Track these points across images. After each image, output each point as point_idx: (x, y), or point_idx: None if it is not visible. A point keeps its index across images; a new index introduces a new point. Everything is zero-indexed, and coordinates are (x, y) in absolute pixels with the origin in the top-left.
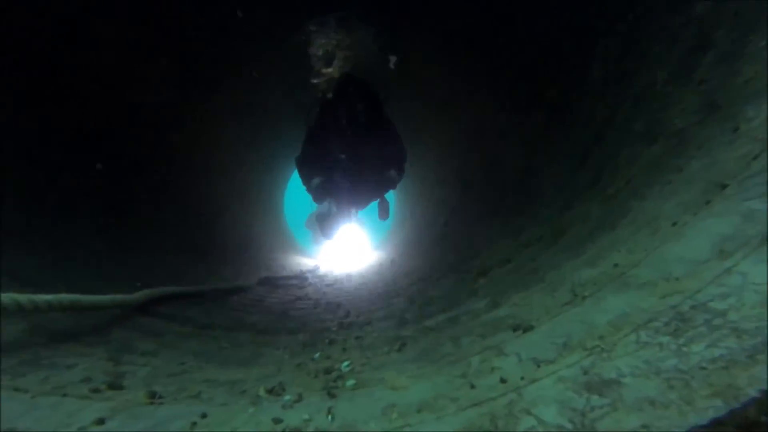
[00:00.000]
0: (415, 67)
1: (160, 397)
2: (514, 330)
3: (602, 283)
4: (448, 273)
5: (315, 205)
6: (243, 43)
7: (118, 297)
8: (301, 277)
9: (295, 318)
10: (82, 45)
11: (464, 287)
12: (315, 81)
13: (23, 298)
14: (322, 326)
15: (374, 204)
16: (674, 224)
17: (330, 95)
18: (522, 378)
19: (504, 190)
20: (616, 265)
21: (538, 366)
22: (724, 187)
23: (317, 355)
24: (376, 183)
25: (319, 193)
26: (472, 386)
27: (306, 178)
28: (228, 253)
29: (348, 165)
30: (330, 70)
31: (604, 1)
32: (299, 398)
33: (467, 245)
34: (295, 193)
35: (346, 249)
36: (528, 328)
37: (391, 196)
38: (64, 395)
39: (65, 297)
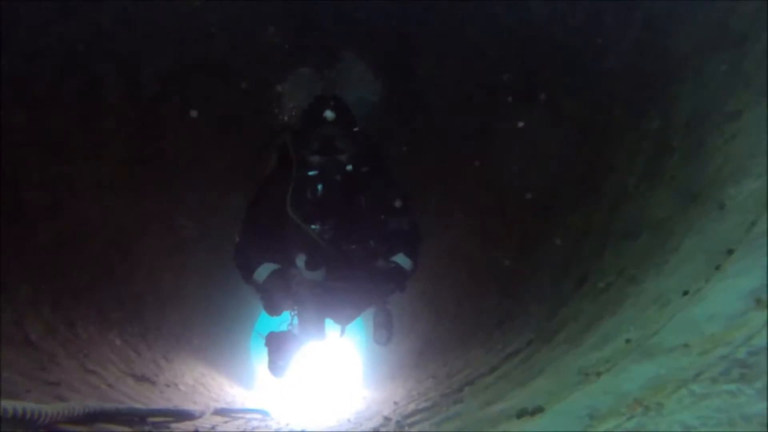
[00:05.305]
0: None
1: None
2: (519, 416)
3: (616, 360)
4: (428, 392)
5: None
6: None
7: (20, 406)
8: (263, 411)
9: None
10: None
11: (447, 399)
12: (276, 110)
13: None
14: None
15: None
16: (685, 293)
17: (295, 125)
18: None
19: (480, 312)
20: (628, 341)
21: None
22: (731, 252)
23: None
24: (371, 277)
25: (272, 294)
26: None
27: (247, 267)
28: (181, 385)
29: (322, 242)
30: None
31: (568, 125)
32: None
33: (446, 367)
34: (265, 327)
35: (312, 388)
36: (537, 411)
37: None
38: None
39: None
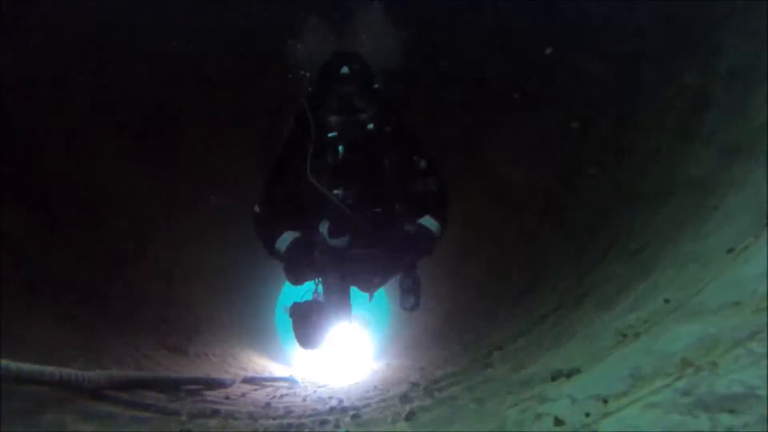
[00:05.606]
0: None
1: None
2: (554, 379)
3: (657, 320)
4: (455, 358)
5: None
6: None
7: (66, 372)
8: (291, 378)
9: (280, 408)
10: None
11: (477, 364)
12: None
13: None
14: (311, 412)
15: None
16: (730, 251)
17: (311, 85)
18: (587, 415)
19: (505, 279)
20: (667, 301)
21: (605, 401)
22: None
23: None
24: (398, 242)
25: (294, 264)
26: None
27: (269, 237)
28: (211, 355)
29: (346, 207)
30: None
31: (593, 85)
32: None
33: (473, 333)
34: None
35: (338, 356)
36: (573, 372)
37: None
38: None
39: None
